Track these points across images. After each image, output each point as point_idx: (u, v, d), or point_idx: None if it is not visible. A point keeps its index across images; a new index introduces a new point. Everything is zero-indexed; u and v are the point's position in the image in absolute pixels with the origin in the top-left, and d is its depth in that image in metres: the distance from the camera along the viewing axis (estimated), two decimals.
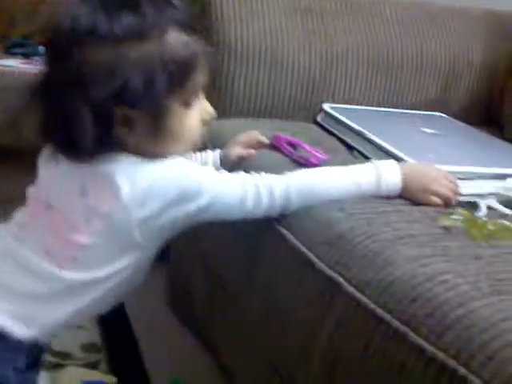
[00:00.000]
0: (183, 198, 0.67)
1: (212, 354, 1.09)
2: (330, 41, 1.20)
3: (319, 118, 1.17)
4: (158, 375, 1.12)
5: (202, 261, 1.09)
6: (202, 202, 0.68)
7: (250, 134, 0.96)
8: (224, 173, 0.77)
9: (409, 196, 0.76)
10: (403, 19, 1.29)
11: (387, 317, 0.58)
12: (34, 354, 0.75)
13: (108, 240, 0.67)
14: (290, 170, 0.86)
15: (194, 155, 0.90)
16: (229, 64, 1.13)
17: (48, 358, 1.12)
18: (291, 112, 1.18)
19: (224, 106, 1.14)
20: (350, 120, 1.07)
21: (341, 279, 0.66)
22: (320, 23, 1.20)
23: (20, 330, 0.69)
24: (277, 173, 0.75)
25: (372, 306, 0.60)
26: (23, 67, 1.39)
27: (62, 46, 0.64)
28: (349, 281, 0.65)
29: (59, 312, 0.71)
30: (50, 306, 0.71)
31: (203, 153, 0.92)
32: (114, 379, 1.08)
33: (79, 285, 0.70)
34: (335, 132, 1.09)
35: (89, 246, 0.67)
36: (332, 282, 0.66)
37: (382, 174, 0.75)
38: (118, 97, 0.62)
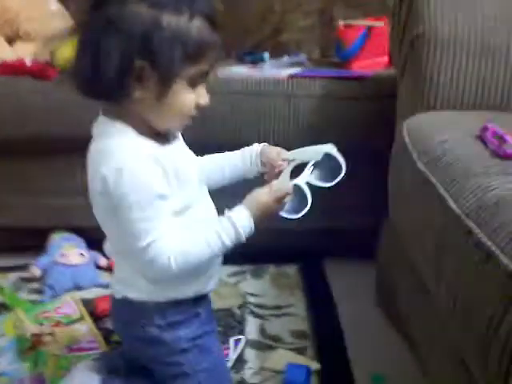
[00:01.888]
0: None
1: (413, 352, 1.07)
2: None
3: None
4: (360, 369, 1.14)
5: (405, 258, 1.08)
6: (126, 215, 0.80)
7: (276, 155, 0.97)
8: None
9: (262, 222, 0.88)
10: None
11: None
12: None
13: None
14: (488, 162, 0.82)
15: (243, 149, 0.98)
16: (435, 53, 1.10)
17: (262, 339, 1.23)
18: (504, 104, 1.09)
19: (428, 98, 1.10)
20: None
21: None
22: None
23: None
24: None
25: None
26: (247, 72, 1.53)
27: None
28: None
29: None
30: None
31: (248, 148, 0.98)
32: (317, 366, 1.14)
33: None
34: None
35: None
36: None
37: (237, 224, 0.84)
38: (143, 51, 0.75)
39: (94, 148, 0.83)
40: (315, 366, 1.14)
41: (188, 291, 0.91)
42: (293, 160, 0.94)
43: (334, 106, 1.40)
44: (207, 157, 1.00)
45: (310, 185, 0.94)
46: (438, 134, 0.98)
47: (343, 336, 1.24)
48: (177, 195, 0.84)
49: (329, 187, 0.95)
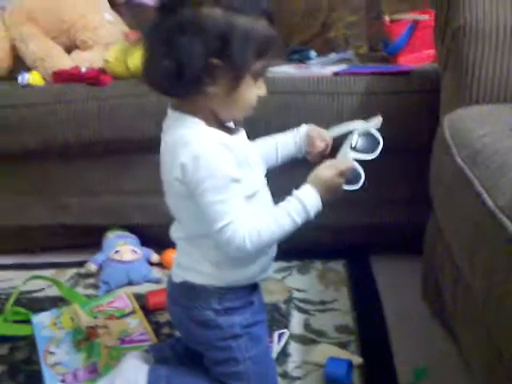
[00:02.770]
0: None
1: (456, 346, 1.07)
2: None
3: None
4: (404, 363, 1.14)
5: (447, 251, 1.07)
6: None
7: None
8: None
9: (328, 198, 0.93)
10: None
11: None
12: None
13: None
14: None
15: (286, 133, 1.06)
16: (476, 46, 1.08)
17: (306, 334, 1.25)
18: None
19: (471, 92, 1.09)
20: None
21: None
22: None
23: None
24: None
25: None
26: (292, 71, 1.54)
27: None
28: None
29: None
30: None
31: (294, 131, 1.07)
32: (360, 360, 1.15)
33: None
34: None
35: None
36: None
37: (305, 202, 0.90)
38: (219, 51, 0.82)
39: (169, 139, 0.91)
40: (357, 360, 1.14)
41: (246, 275, 0.97)
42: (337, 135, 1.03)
43: (378, 102, 1.40)
44: (260, 140, 1.06)
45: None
46: (478, 127, 0.96)
47: (387, 330, 1.24)
48: (248, 180, 0.91)
49: (372, 159, 1.00)
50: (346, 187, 0.96)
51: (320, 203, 0.92)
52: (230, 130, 0.94)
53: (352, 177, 0.96)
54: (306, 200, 0.90)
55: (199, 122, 0.89)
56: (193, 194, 0.87)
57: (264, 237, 0.89)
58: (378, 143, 1.01)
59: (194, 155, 0.85)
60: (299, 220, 0.90)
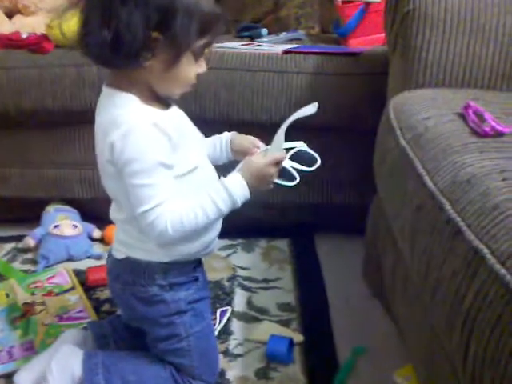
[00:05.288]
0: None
1: (395, 325, 1.09)
2: None
3: None
4: (344, 341, 1.16)
5: (389, 232, 1.09)
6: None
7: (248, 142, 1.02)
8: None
9: (258, 187, 0.92)
10: None
11: None
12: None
13: None
14: (466, 139, 0.83)
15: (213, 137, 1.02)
16: (424, 30, 1.09)
17: (248, 311, 1.25)
18: (492, 82, 1.09)
19: (417, 76, 1.10)
20: None
21: (486, 250, 0.62)
22: None
23: None
24: None
25: (508, 278, 0.56)
26: (242, 48, 1.52)
27: None
28: (492, 252, 0.60)
29: None
30: None
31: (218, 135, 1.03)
32: (301, 338, 1.16)
33: None
34: None
35: None
36: (477, 252, 0.63)
37: (231, 190, 0.89)
38: (160, 24, 0.80)
39: (102, 119, 0.88)
40: (298, 337, 1.16)
41: (190, 251, 0.95)
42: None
43: (326, 82, 1.41)
44: None
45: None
46: (423, 111, 0.98)
47: (328, 309, 1.26)
48: (185, 156, 0.89)
49: (310, 171, 0.99)
50: (278, 181, 0.95)
51: (248, 192, 0.91)
52: (164, 105, 0.91)
53: (286, 174, 0.95)
54: (233, 189, 0.89)
55: (133, 99, 0.86)
56: (120, 174, 0.85)
57: (187, 225, 0.87)
58: (316, 161, 1.00)
59: (123, 134, 0.82)
60: (225, 209, 0.89)
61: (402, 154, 0.92)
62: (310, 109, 0.97)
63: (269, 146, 0.96)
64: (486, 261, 0.61)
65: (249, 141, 1.02)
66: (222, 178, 0.92)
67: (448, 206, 0.73)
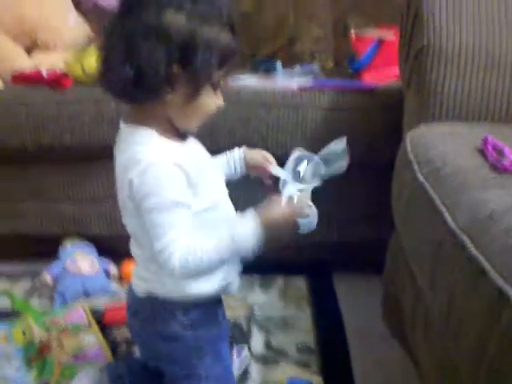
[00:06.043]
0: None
1: (415, 366, 1.06)
2: None
3: None
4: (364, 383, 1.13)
5: (408, 270, 1.07)
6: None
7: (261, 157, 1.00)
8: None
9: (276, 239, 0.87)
10: None
11: None
12: None
13: None
14: (485, 174, 0.82)
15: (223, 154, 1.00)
16: (439, 65, 1.09)
17: (266, 353, 1.23)
18: (509, 116, 1.08)
19: (433, 110, 1.10)
20: None
21: (511, 292, 0.60)
22: None
23: None
24: None
25: None
26: (258, 82, 1.53)
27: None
28: None
29: None
30: None
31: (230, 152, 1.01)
32: (320, 380, 1.13)
33: None
34: None
35: None
36: (502, 293, 0.61)
37: (241, 244, 0.84)
38: (180, 58, 0.80)
39: (122, 156, 0.87)
40: (318, 380, 1.13)
41: (209, 289, 0.92)
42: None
43: (341, 117, 1.40)
44: None
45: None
46: (440, 144, 0.97)
47: (348, 350, 1.24)
48: (205, 191, 0.88)
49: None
50: (301, 231, 0.91)
51: (260, 243, 0.85)
52: (182, 137, 0.90)
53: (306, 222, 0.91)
54: (243, 243, 0.85)
55: (152, 134, 0.85)
56: (138, 210, 0.84)
57: (191, 264, 0.83)
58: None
59: (142, 170, 0.82)
60: (230, 257, 0.87)
61: (420, 188, 0.91)
62: (339, 144, 0.94)
63: (291, 187, 0.92)
64: (511, 303, 0.59)
65: (261, 154, 1.00)
66: (237, 215, 0.90)
67: (470, 244, 0.71)
